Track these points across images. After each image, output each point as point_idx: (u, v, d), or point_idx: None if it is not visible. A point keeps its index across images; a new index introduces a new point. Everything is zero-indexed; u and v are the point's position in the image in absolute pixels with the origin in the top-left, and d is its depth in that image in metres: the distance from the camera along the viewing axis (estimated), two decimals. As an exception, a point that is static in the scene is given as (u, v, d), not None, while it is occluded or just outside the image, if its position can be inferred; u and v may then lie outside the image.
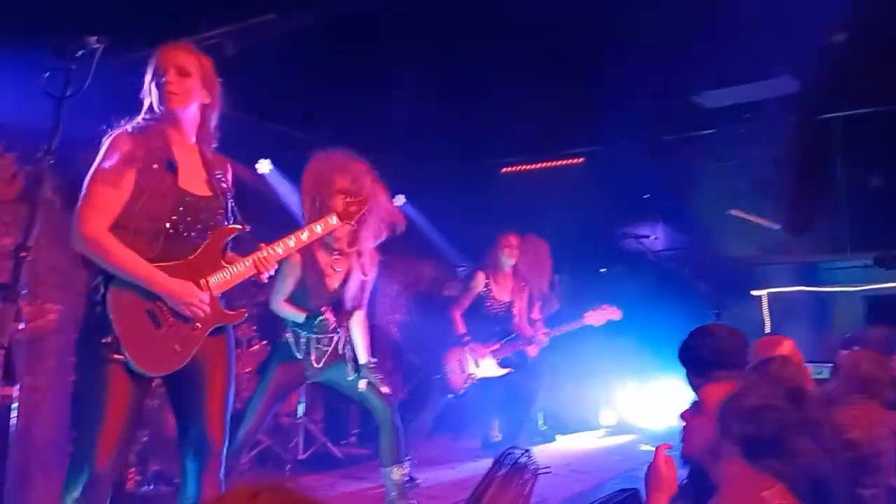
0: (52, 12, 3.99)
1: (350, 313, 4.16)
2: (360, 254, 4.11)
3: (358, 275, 4.12)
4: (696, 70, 5.85)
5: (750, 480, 1.96)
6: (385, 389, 4.16)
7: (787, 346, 3.22)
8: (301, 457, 5.66)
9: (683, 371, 2.93)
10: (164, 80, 2.65)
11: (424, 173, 8.05)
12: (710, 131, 7.19)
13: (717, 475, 2.07)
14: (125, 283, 2.50)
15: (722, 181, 7.34)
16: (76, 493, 2.43)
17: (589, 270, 7.89)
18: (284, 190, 6.98)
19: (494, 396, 5.85)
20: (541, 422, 6.82)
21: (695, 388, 2.81)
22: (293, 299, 4.10)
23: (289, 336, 4.10)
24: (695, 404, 2.27)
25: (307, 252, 4.02)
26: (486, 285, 5.70)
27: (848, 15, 5.00)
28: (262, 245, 2.87)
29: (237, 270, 2.77)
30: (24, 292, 1.89)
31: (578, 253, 7.53)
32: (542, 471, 3.73)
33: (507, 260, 5.66)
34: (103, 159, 2.58)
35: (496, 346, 5.57)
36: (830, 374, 3.57)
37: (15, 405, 1.77)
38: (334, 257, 4.10)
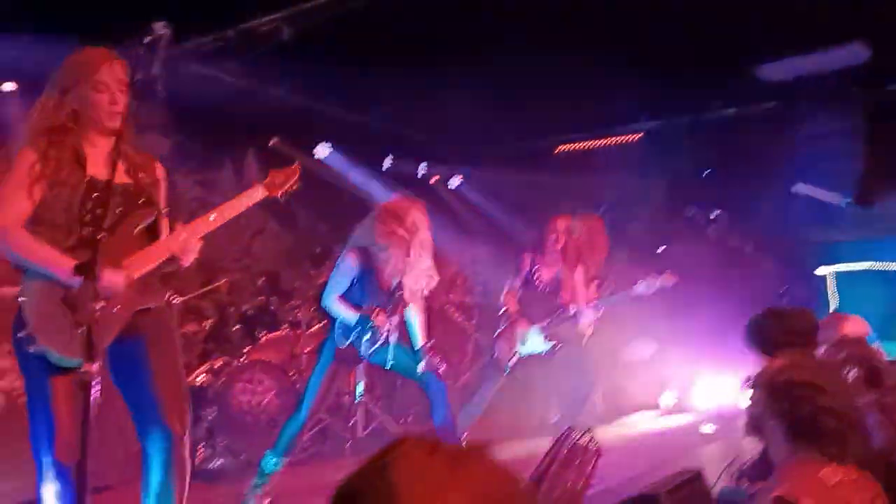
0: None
1: (404, 304, 4.24)
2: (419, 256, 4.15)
3: (422, 276, 4.19)
4: (758, 41, 5.67)
5: (802, 461, 1.93)
6: (441, 369, 4.21)
7: (852, 323, 3.14)
8: (360, 434, 5.74)
9: (750, 351, 2.87)
10: (111, 98, 2.61)
11: (481, 153, 8.03)
12: (772, 104, 6.98)
13: (772, 452, 2.04)
14: (38, 273, 2.48)
15: (786, 156, 7.13)
16: (55, 486, 2.45)
17: (647, 249, 7.76)
18: (344, 173, 7.05)
19: (553, 376, 5.83)
20: (600, 402, 6.77)
21: (762, 369, 2.76)
22: (350, 298, 4.20)
23: (341, 330, 4.20)
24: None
25: (362, 251, 4.12)
26: (533, 265, 5.72)
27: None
28: (179, 226, 2.76)
29: (154, 252, 2.68)
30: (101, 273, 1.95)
31: (637, 231, 7.42)
32: (602, 451, 3.72)
33: (555, 242, 5.66)
34: (18, 157, 2.57)
35: (544, 323, 5.59)
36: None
37: (97, 380, 1.84)
38: (388, 255, 4.15)
